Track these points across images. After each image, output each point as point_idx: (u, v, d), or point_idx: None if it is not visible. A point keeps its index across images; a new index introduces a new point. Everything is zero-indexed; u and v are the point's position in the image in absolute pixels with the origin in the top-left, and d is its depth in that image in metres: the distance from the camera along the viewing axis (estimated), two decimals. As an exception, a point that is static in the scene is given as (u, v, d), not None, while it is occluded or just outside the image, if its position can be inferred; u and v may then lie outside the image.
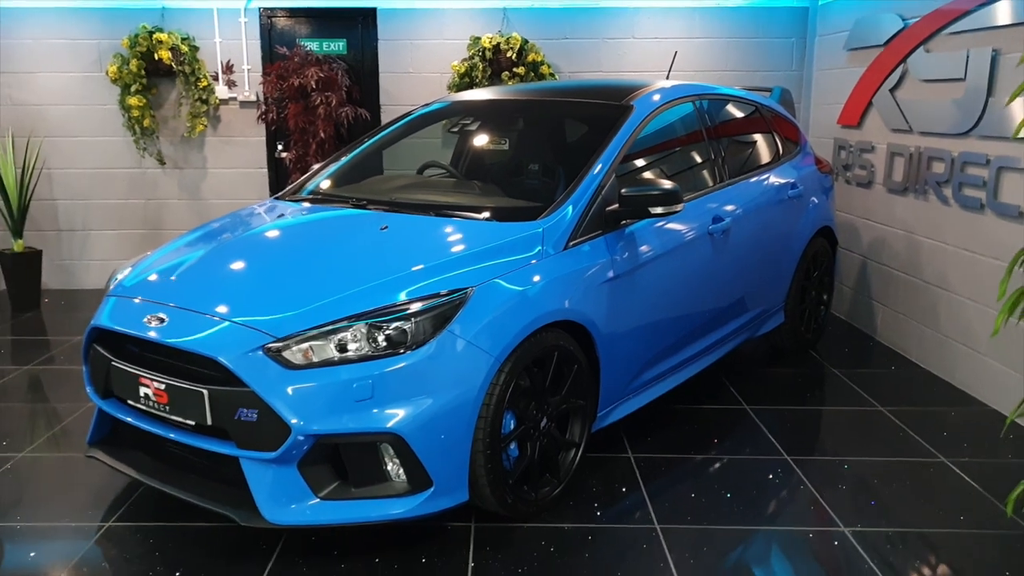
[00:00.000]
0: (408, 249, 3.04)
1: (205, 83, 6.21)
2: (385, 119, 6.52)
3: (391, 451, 2.62)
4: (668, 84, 4.09)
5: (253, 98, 6.41)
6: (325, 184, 3.95)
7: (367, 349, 2.62)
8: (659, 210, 3.24)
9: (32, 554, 2.81)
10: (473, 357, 2.70)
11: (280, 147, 6.51)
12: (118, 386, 2.92)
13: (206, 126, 6.33)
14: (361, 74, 6.40)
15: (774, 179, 4.44)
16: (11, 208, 5.93)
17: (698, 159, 4.07)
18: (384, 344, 2.62)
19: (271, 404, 2.54)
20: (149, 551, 2.80)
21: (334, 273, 2.89)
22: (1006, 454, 3.58)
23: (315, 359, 2.60)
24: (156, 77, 6.22)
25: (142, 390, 2.81)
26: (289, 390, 2.56)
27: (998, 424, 3.87)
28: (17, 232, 5.98)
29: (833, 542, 2.86)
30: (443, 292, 2.73)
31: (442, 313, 2.68)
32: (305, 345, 2.61)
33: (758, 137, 4.58)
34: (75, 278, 6.62)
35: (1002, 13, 4.05)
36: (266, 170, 6.58)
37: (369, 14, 6.37)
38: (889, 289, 5.20)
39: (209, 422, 2.66)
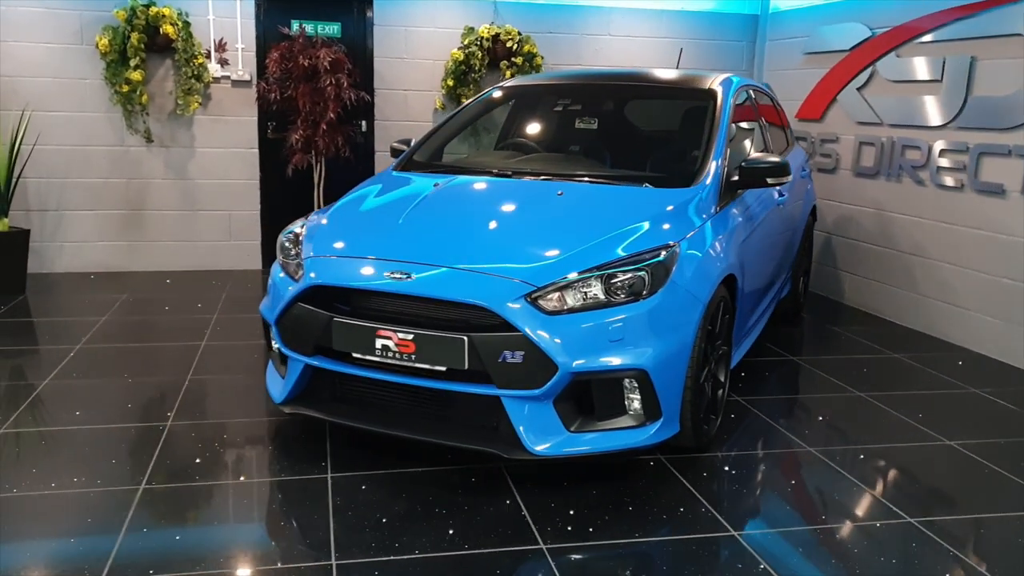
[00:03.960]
0: (600, 211, 3.38)
1: (200, 60, 6.05)
2: (379, 103, 6.65)
3: (634, 385, 2.97)
4: (727, 75, 4.63)
5: (247, 77, 6.32)
6: (440, 158, 4.19)
7: (612, 296, 2.94)
8: (772, 180, 3.78)
9: (275, 506, 2.89)
10: (690, 303, 3.10)
11: (271, 127, 6.46)
12: (343, 341, 3.04)
13: (200, 104, 6.16)
14: (355, 58, 6.48)
15: (797, 160, 5.12)
16: (-3, 185, 5.53)
17: (757, 139, 4.66)
18: (628, 292, 2.96)
19: (541, 346, 2.81)
20: (393, 494, 2.95)
21: (557, 232, 3.18)
22: (1012, 383, 4.44)
23: (566, 306, 2.90)
24: (150, 52, 5.99)
25: (380, 342, 2.96)
26: (554, 333, 2.84)
27: (986, 362, 4.77)
28: (3, 211, 5.57)
29: (932, 452, 3.52)
30: (658, 247, 3.10)
31: (665, 265, 3.05)
32: (557, 293, 2.91)
33: (778, 124, 5.25)
34: (47, 262, 6.19)
35: (978, 27, 4.94)
36: (257, 150, 6.49)
37: (367, -1, 6.48)
38: (857, 259, 6.07)
39: (465, 367, 2.88)
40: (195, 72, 6.04)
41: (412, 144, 4.32)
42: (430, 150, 4.29)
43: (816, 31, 6.43)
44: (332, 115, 6.04)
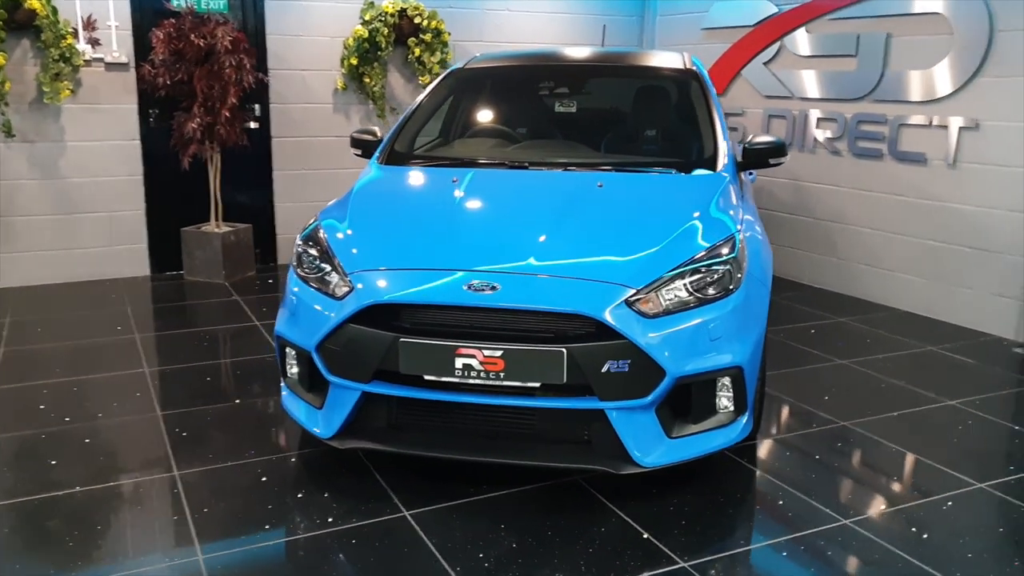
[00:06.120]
0: (655, 202, 3.23)
1: (68, 41, 5.17)
2: (275, 85, 6.05)
3: (727, 383, 2.86)
4: (684, 52, 4.60)
5: (124, 59, 5.50)
6: (427, 149, 3.86)
7: (698, 294, 2.80)
8: (773, 160, 3.80)
9: (374, 558, 2.53)
10: (762, 292, 3.05)
11: (153, 115, 5.70)
12: (414, 363, 2.69)
13: (72, 91, 5.28)
14: (246, 36, 5.82)
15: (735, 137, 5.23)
16: None
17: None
18: (716, 288, 2.83)
19: (649, 353, 2.63)
20: (491, 526, 2.67)
21: (631, 228, 3.00)
22: (958, 339, 4.82)
23: (661, 308, 2.73)
24: (8, 31, 5.02)
25: (460, 361, 2.65)
26: (658, 337, 2.67)
27: (919, 319, 5.15)
28: None
29: (944, 414, 3.74)
30: (727, 237, 2.99)
31: (738, 256, 2.96)
32: (653, 294, 2.73)
33: (715, 101, 5.32)
34: None
35: (893, 5, 5.25)
36: (139, 141, 5.69)
37: (258, -31, 5.83)
38: (773, 229, 6.28)
39: (564, 381, 2.65)
40: (64, 54, 5.16)
41: (389, 135, 3.92)
42: (407, 140, 3.93)
43: (715, 6, 6.58)
44: (234, 100, 5.42)
